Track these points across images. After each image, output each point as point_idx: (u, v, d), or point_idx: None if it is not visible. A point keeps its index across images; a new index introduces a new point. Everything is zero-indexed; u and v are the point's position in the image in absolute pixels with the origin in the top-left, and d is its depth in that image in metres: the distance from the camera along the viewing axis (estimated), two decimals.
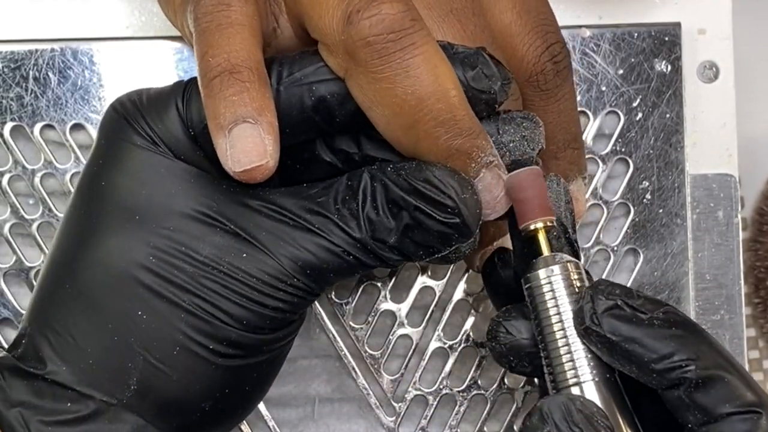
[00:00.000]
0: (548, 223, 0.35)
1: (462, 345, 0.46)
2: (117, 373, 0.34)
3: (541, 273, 0.35)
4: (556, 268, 0.35)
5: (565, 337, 0.35)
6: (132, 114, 0.36)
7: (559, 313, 0.35)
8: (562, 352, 0.35)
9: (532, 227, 0.35)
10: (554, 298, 0.35)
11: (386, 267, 0.36)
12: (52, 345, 0.35)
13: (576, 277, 0.35)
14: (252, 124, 0.33)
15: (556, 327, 0.35)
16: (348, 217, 0.34)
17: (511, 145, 0.36)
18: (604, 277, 0.46)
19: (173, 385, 0.34)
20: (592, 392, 0.34)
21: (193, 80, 0.36)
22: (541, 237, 0.35)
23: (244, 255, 0.34)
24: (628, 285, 0.46)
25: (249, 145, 0.33)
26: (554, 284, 0.35)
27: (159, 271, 0.34)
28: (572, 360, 0.35)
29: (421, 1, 0.36)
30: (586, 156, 0.46)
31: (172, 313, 0.34)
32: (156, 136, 0.36)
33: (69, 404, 0.34)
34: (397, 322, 0.46)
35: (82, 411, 0.34)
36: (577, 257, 0.36)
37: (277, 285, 0.34)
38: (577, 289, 0.35)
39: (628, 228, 0.47)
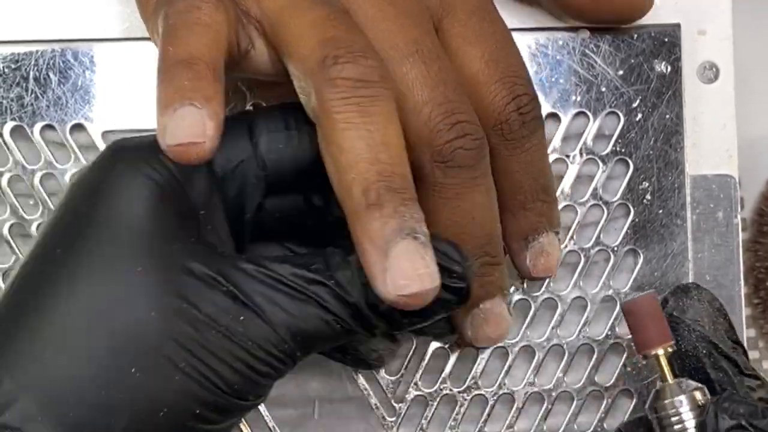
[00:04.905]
0: (668, 349, 0.37)
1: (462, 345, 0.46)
2: (95, 425, 0.33)
3: (668, 404, 0.36)
4: (683, 398, 0.36)
5: None
6: (147, 144, 0.36)
7: None
8: None
9: (652, 353, 0.37)
10: (684, 430, 0.36)
11: (366, 335, 0.36)
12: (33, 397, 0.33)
13: (703, 403, 0.36)
14: (198, 108, 0.33)
15: None
16: (343, 283, 0.35)
17: None
18: (604, 278, 0.46)
19: None
20: None
21: None
22: (664, 363, 0.37)
23: (242, 318, 0.34)
24: (628, 286, 0.46)
25: (188, 123, 0.33)
26: (682, 414, 0.36)
27: (160, 326, 0.33)
28: None
29: (386, 41, 0.37)
30: (587, 157, 0.46)
31: (167, 372, 0.33)
32: (179, 183, 0.36)
33: None
34: None
35: None
36: (738, 365, 0.37)
37: (271, 351, 0.35)
38: None
39: (628, 228, 0.47)
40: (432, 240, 0.34)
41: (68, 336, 0.33)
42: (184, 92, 0.33)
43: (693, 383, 0.36)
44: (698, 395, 0.36)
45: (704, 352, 0.37)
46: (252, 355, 0.34)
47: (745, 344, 0.47)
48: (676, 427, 0.36)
